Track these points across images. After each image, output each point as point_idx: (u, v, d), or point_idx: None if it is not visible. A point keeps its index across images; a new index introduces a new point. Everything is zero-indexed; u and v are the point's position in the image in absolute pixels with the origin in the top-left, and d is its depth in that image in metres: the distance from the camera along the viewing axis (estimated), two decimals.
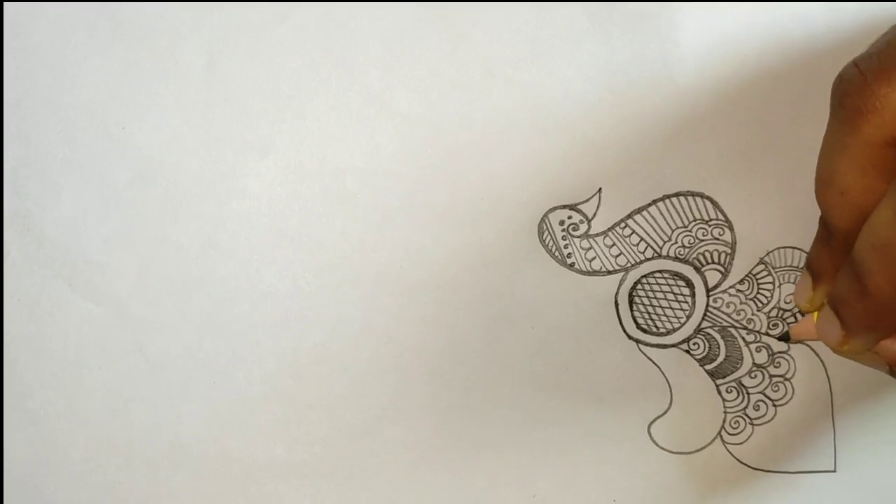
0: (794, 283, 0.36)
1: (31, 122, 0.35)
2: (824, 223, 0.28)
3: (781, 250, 0.36)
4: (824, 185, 0.27)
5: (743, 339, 0.36)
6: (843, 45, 0.35)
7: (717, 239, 0.36)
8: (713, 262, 0.36)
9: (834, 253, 0.28)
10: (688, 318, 0.36)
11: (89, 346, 0.36)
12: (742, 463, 0.37)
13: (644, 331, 0.36)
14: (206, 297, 0.36)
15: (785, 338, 0.32)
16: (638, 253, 0.36)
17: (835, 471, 0.36)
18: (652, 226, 0.36)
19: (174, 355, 0.36)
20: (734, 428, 0.36)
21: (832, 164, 0.26)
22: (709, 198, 0.35)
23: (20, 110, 0.35)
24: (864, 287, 0.26)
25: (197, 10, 0.35)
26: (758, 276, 0.36)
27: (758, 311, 0.36)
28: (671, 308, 0.36)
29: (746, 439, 0.36)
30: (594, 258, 0.36)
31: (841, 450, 0.36)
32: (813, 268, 0.29)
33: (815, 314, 0.30)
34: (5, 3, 0.35)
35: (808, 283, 0.29)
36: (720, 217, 0.35)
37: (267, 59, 0.35)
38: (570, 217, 0.35)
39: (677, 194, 0.35)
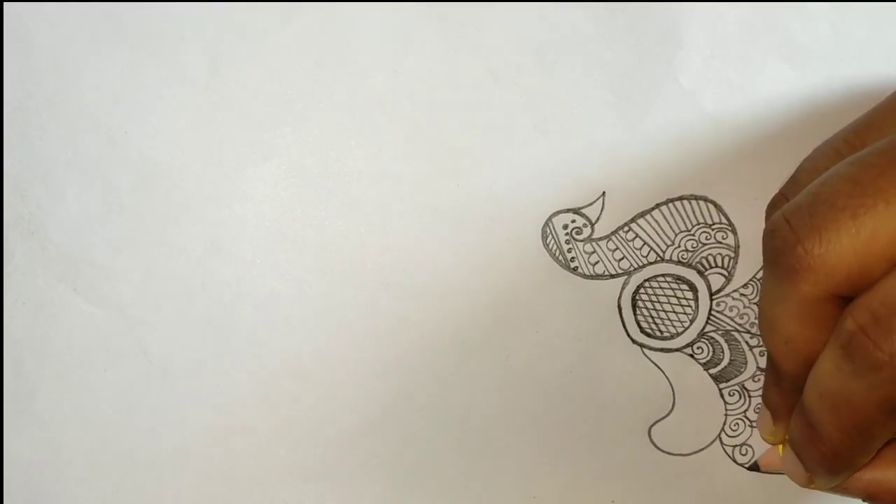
0: None
1: (33, 125, 0.35)
2: (772, 365, 0.28)
3: None
4: (768, 332, 0.27)
5: (746, 342, 0.36)
6: (849, 45, 0.35)
7: (721, 243, 0.36)
8: (717, 266, 0.36)
9: (785, 394, 0.28)
10: (691, 322, 0.36)
11: (93, 348, 0.36)
12: (739, 464, 0.37)
13: (648, 335, 0.36)
14: (209, 300, 0.36)
15: (754, 468, 0.32)
16: (641, 257, 0.36)
17: None
18: (655, 229, 0.36)
19: (178, 358, 0.36)
20: (734, 430, 0.37)
21: (773, 314, 0.26)
22: (712, 201, 0.35)
23: (22, 113, 0.35)
24: (818, 434, 0.26)
25: (200, 13, 0.35)
26: (762, 281, 0.36)
27: None
28: (675, 312, 0.36)
29: (745, 441, 0.37)
30: (597, 262, 0.36)
31: None
32: (768, 405, 0.29)
33: (780, 447, 0.30)
34: (5, 4, 0.35)
35: (768, 417, 0.30)
36: (724, 221, 0.35)
37: (270, 62, 0.35)
38: (573, 221, 0.35)
39: (681, 198, 0.35)
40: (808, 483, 0.28)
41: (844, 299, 0.25)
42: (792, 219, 0.25)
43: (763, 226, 0.35)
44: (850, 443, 0.26)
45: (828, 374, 0.25)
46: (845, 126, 0.29)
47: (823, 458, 0.27)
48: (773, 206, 0.29)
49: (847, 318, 0.24)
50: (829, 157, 0.28)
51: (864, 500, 0.29)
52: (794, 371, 0.27)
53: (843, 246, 0.24)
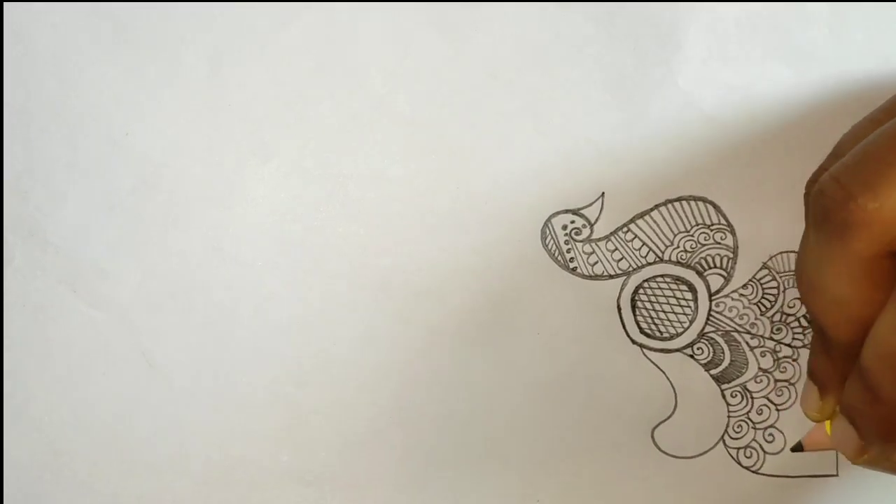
0: (797, 287, 0.36)
1: (34, 127, 0.35)
2: (821, 334, 0.27)
3: (785, 254, 0.36)
4: (816, 298, 0.26)
5: (747, 343, 0.36)
6: (847, 46, 0.35)
7: (720, 243, 0.36)
8: (715, 267, 0.36)
9: (838, 362, 0.27)
10: (691, 322, 0.36)
11: (93, 351, 0.36)
12: (744, 467, 0.36)
13: (648, 335, 0.36)
14: (209, 303, 0.36)
15: (797, 448, 0.31)
16: (640, 257, 0.36)
17: (837, 475, 0.36)
18: (654, 230, 0.36)
19: (178, 361, 0.36)
20: (737, 432, 0.36)
21: (822, 278, 0.26)
22: (711, 202, 0.35)
23: (23, 116, 0.35)
24: (877, 396, 0.25)
25: (200, 15, 0.35)
26: (761, 281, 0.36)
27: (761, 315, 0.36)
28: (674, 312, 0.36)
29: (749, 443, 0.36)
30: (596, 262, 0.36)
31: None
32: (816, 377, 0.29)
33: (827, 423, 0.29)
34: (5, 4, 0.35)
35: (814, 393, 0.29)
36: (722, 221, 0.35)
37: (270, 64, 0.35)
38: (572, 221, 0.35)
39: (680, 199, 0.35)
40: (860, 455, 0.27)
41: None
42: (842, 177, 0.25)
43: (762, 226, 0.35)
44: None
45: (891, 331, 0.24)
46: (883, 102, 0.29)
47: (882, 422, 0.26)
48: (812, 182, 0.29)
49: None
50: (869, 129, 0.28)
51: None
52: (847, 336, 0.26)
53: None
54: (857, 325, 0.26)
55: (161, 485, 0.37)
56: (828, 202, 0.25)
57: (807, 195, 0.28)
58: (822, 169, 0.29)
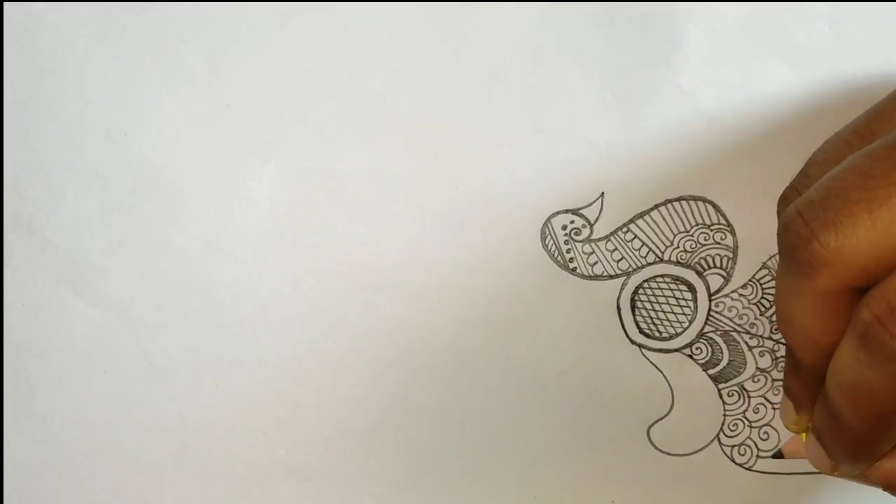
0: None
1: (33, 126, 0.35)
2: (791, 356, 0.28)
3: None
4: (785, 325, 0.27)
5: (746, 343, 0.36)
6: (847, 46, 0.35)
7: (719, 243, 0.36)
8: (715, 267, 0.36)
9: (806, 384, 0.28)
10: (690, 322, 0.36)
11: (93, 350, 0.36)
12: (737, 464, 0.37)
13: (647, 335, 0.36)
14: (208, 301, 0.36)
15: (778, 455, 0.32)
16: (640, 257, 0.36)
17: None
18: (654, 230, 0.36)
19: (177, 359, 0.36)
20: (732, 430, 0.37)
21: (790, 307, 0.26)
22: (711, 202, 0.35)
23: (22, 114, 0.35)
24: (840, 423, 0.26)
25: (200, 14, 0.35)
26: (761, 281, 0.36)
27: (760, 315, 0.36)
28: (673, 312, 0.36)
29: (743, 441, 0.37)
30: (596, 262, 0.36)
31: None
32: (790, 394, 0.29)
33: (804, 434, 0.30)
34: (5, 4, 0.35)
35: (790, 406, 0.30)
36: (722, 221, 0.36)
37: (269, 64, 0.35)
38: (572, 221, 0.35)
39: (679, 199, 0.35)
40: (833, 470, 0.28)
41: (860, 290, 0.25)
42: (805, 213, 0.25)
43: (761, 225, 0.35)
44: (870, 432, 0.26)
45: (846, 365, 0.25)
46: (856, 117, 0.29)
47: (846, 447, 0.27)
48: (784, 200, 0.29)
49: (863, 308, 0.24)
50: (840, 149, 0.28)
51: (884, 489, 0.29)
52: (813, 362, 0.27)
53: (860, 239, 0.24)
54: (820, 352, 0.27)
55: (161, 482, 0.37)
56: (793, 238, 0.26)
57: (778, 215, 0.29)
58: (791, 188, 0.29)
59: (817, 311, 0.26)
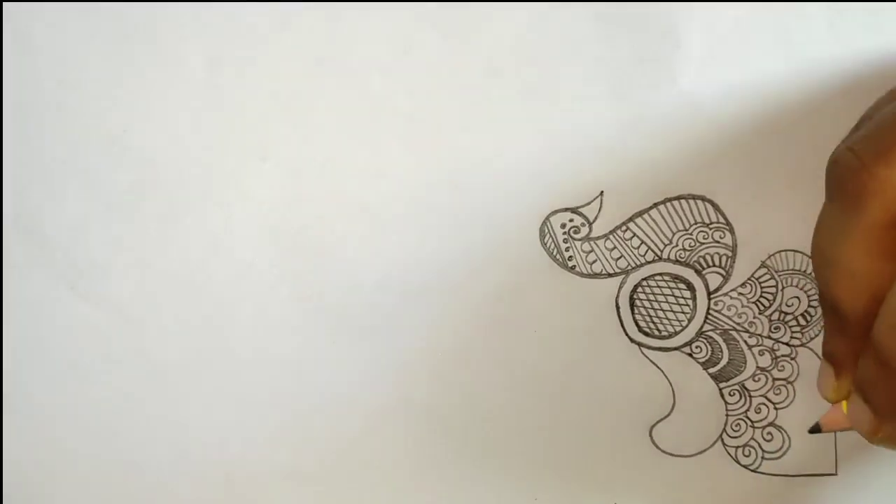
0: (795, 286, 0.36)
1: (33, 125, 0.36)
2: (834, 312, 0.27)
3: (783, 253, 0.36)
4: (829, 271, 0.26)
5: (745, 342, 0.36)
6: (847, 45, 0.35)
7: (718, 242, 0.36)
8: (714, 265, 0.36)
9: (851, 339, 0.27)
10: (689, 321, 0.36)
11: (91, 349, 0.36)
12: (742, 466, 0.37)
13: (646, 334, 0.36)
14: (207, 300, 0.36)
15: (815, 429, 0.31)
16: (639, 256, 0.36)
17: (836, 474, 0.36)
18: (653, 229, 0.36)
19: (176, 359, 0.36)
20: (735, 431, 0.36)
21: (836, 250, 0.26)
22: (710, 201, 0.35)
23: (22, 112, 0.36)
24: (891, 370, 0.25)
25: (199, 13, 0.35)
26: (760, 280, 0.36)
27: (759, 314, 0.36)
28: (672, 311, 0.36)
29: (747, 442, 0.36)
30: (595, 261, 0.36)
31: (842, 453, 0.36)
32: (832, 357, 0.28)
33: (844, 403, 0.29)
34: (5, 4, 0.35)
35: (830, 373, 0.29)
36: (721, 220, 0.35)
37: (269, 62, 0.35)
38: (571, 220, 0.35)
39: (678, 197, 0.35)
40: (876, 432, 0.27)
41: None
42: (856, 146, 0.25)
43: (760, 224, 0.35)
44: None
45: None
46: None
47: None
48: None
49: None
50: (889, 101, 0.28)
51: None
52: (861, 310, 0.26)
53: None
54: (869, 297, 0.26)
55: (160, 483, 0.37)
56: (842, 171, 0.25)
57: (827, 173, 0.28)
58: (842, 143, 0.29)
59: (868, 249, 0.25)
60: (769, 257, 0.36)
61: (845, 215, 0.25)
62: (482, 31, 0.35)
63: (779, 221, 0.35)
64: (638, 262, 0.36)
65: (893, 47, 0.35)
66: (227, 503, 0.37)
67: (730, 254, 0.36)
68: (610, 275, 0.36)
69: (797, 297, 0.36)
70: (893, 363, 0.25)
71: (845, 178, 0.25)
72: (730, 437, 0.36)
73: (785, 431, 0.36)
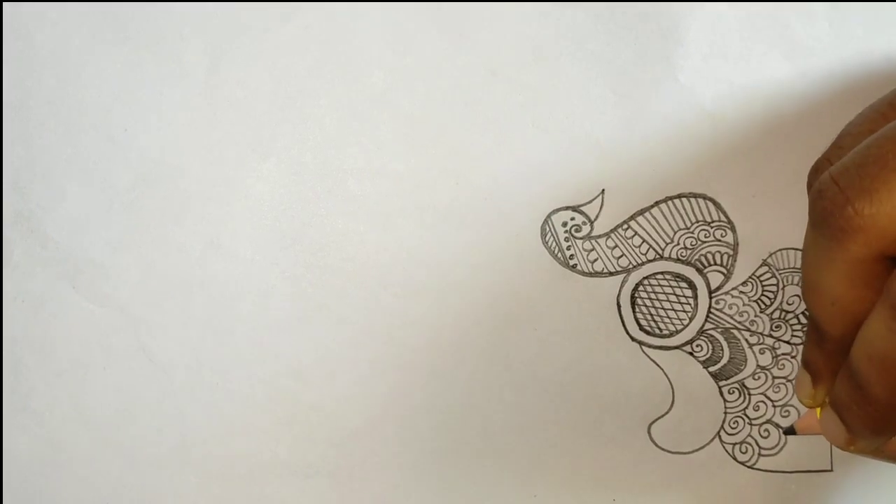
0: (797, 284, 0.36)
1: (33, 123, 0.35)
2: (816, 328, 0.28)
3: (784, 252, 0.36)
4: (813, 294, 0.27)
5: (746, 340, 0.36)
6: (847, 44, 0.35)
7: (720, 240, 0.36)
8: (715, 264, 0.36)
9: (828, 356, 0.28)
10: (690, 319, 0.36)
11: (93, 347, 0.36)
12: (739, 462, 0.37)
13: (647, 332, 0.36)
14: (208, 299, 0.36)
15: (790, 431, 0.32)
16: (640, 254, 0.36)
17: (831, 470, 0.37)
18: (654, 227, 0.36)
19: (177, 356, 0.36)
20: (733, 428, 0.37)
21: (819, 276, 0.26)
22: (711, 199, 0.35)
23: (22, 112, 0.35)
24: (865, 395, 0.26)
25: (200, 12, 0.35)
26: (761, 278, 0.36)
27: (761, 312, 0.36)
28: (673, 310, 0.36)
29: (744, 439, 0.37)
30: (596, 259, 0.36)
31: (838, 449, 0.36)
32: (809, 367, 0.29)
33: (818, 410, 0.30)
34: (5, 4, 0.35)
35: (807, 380, 0.29)
36: (722, 218, 0.36)
37: (270, 61, 0.35)
38: (572, 218, 0.35)
39: (679, 196, 0.35)
40: (848, 445, 0.28)
41: (893, 260, 0.25)
42: (840, 179, 0.25)
43: (762, 223, 0.35)
44: None
45: (877, 335, 0.25)
46: (889, 91, 0.29)
47: (869, 419, 0.26)
48: (815, 171, 0.29)
49: None
50: (875, 120, 0.28)
51: None
52: (839, 333, 0.27)
53: (895, 206, 0.24)
54: (849, 322, 0.26)
55: (161, 479, 0.37)
56: (826, 205, 0.25)
57: (809, 186, 0.28)
58: (824, 159, 0.29)
59: (849, 279, 0.26)
60: (770, 255, 0.36)
61: (828, 246, 0.26)
62: (483, 29, 0.35)
63: (780, 220, 0.35)
64: (639, 261, 0.36)
65: (893, 47, 0.35)
66: (228, 499, 0.37)
67: (731, 252, 0.36)
68: (611, 273, 0.36)
69: (798, 296, 0.36)
70: (868, 389, 0.26)
71: (830, 212, 0.25)
72: (727, 434, 0.37)
73: (782, 428, 0.37)
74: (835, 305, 0.26)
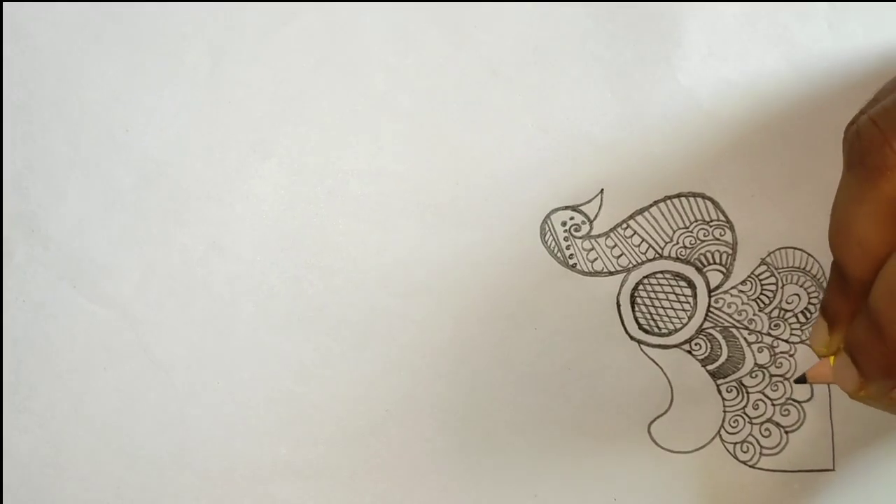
0: (795, 283, 0.36)
1: (35, 124, 0.35)
2: (839, 271, 0.28)
3: (783, 251, 0.36)
4: (841, 235, 0.27)
5: (745, 339, 0.36)
6: (847, 44, 0.35)
7: (719, 240, 0.36)
8: (714, 263, 0.36)
9: (850, 299, 0.28)
10: (689, 318, 0.36)
11: (94, 347, 0.36)
12: (740, 461, 0.37)
13: (646, 331, 0.36)
14: (210, 299, 0.36)
15: (801, 380, 0.32)
16: (639, 254, 0.36)
17: (833, 469, 0.37)
18: (653, 226, 0.36)
19: (179, 357, 0.36)
20: (733, 427, 0.37)
21: (849, 217, 0.27)
22: (710, 198, 0.36)
23: (25, 112, 0.35)
24: (882, 334, 0.26)
25: (201, 12, 0.35)
26: (760, 277, 0.36)
27: (759, 311, 0.36)
28: (673, 309, 0.36)
29: (745, 438, 0.37)
30: (596, 259, 0.36)
31: (839, 449, 0.36)
32: (828, 313, 0.29)
33: (832, 358, 0.30)
34: (5, 4, 0.35)
35: (823, 328, 0.30)
36: (721, 218, 0.36)
37: (271, 61, 0.35)
38: (572, 218, 0.36)
39: (679, 195, 0.36)
40: (859, 390, 0.28)
41: None
42: (880, 121, 0.26)
43: (761, 222, 0.35)
44: None
45: None
46: None
47: (885, 359, 0.27)
48: (852, 125, 0.29)
49: None
50: None
51: None
52: (863, 274, 0.27)
53: None
54: (873, 264, 0.27)
55: (162, 479, 0.37)
56: (864, 144, 0.26)
57: (845, 139, 0.29)
58: (861, 113, 0.29)
59: (880, 218, 0.26)
60: (769, 254, 0.36)
61: (862, 185, 0.26)
62: (484, 30, 0.35)
63: (779, 219, 0.35)
64: (639, 260, 0.36)
65: (893, 47, 0.35)
66: (229, 500, 0.37)
67: (730, 251, 0.36)
68: (611, 273, 0.36)
69: (797, 295, 0.36)
70: (885, 327, 0.26)
71: (867, 150, 0.26)
72: (728, 433, 0.37)
73: (783, 427, 0.37)
74: (861, 246, 0.27)
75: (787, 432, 0.36)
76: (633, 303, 0.36)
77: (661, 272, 0.36)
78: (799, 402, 0.36)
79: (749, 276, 0.36)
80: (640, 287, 0.36)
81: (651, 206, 0.36)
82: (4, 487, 0.37)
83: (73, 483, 0.37)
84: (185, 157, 0.35)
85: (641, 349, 0.36)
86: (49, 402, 0.36)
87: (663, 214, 0.36)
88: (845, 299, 0.28)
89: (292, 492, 0.37)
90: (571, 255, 0.36)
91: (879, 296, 0.26)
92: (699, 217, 0.36)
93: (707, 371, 0.36)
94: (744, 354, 0.36)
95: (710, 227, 0.36)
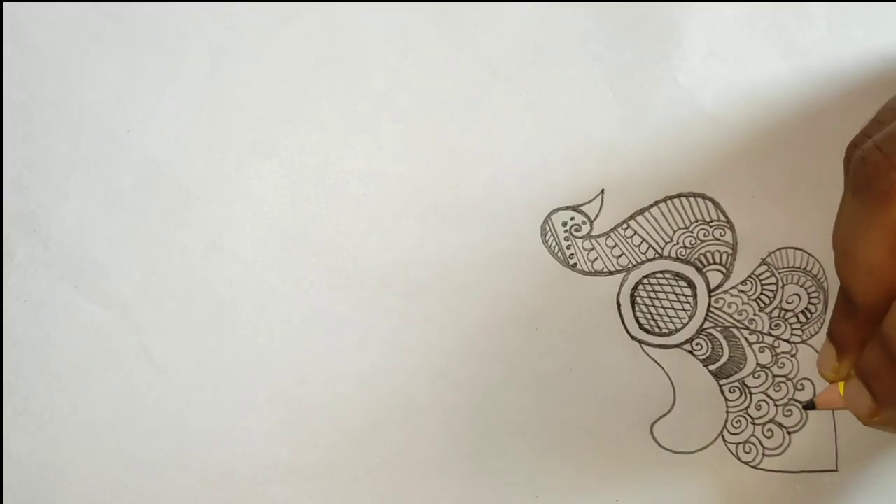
0: (796, 283, 0.36)
1: (36, 124, 0.36)
2: (847, 297, 0.28)
3: (783, 251, 0.36)
4: (848, 263, 0.27)
5: (745, 339, 0.36)
6: (846, 44, 0.35)
7: (719, 240, 0.36)
8: (715, 263, 0.36)
9: (859, 326, 0.28)
10: (690, 318, 0.36)
11: (94, 348, 0.36)
12: (743, 462, 0.37)
13: (647, 331, 0.36)
14: (210, 300, 0.36)
15: (810, 406, 0.32)
16: (640, 254, 0.36)
17: (836, 470, 0.36)
18: (654, 227, 0.36)
19: (179, 358, 0.36)
20: (736, 427, 0.36)
21: (857, 243, 0.27)
22: (710, 199, 0.36)
23: (25, 112, 0.36)
24: None
25: (201, 13, 0.35)
26: (760, 277, 0.36)
27: (760, 311, 0.36)
28: (673, 308, 0.36)
29: (748, 438, 0.37)
30: (596, 259, 0.36)
31: (842, 449, 0.36)
32: (836, 339, 0.29)
33: (841, 384, 0.30)
34: (5, 4, 0.35)
35: (832, 354, 0.29)
36: (721, 218, 0.36)
37: (271, 61, 0.35)
38: (572, 218, 0.36)
39: (679, 195, 0.36)
40: (872, 416, 0.28)
41: None
42: (885, 146, 0.26)
43: (761, 222, 0.35)
44: None
45: None
46: None
47: None
48: (854, 146, 0.29)
49: None
50: None
51: None
52: (873, 302, 0.27)
53: None
54: (884, 291, 0.26)
55: (162, 481, 0.37)
56: (870, 170, 0.26)
57: (847, 160, 0.29)
58: (863, 134, 0.29)
59: (890, 244, 0.26)
60: (769, 255, 0.36)
61: (869, 211, 0.26)
62: (484, 30, 0.35)
63: (779, 219, 0.35)
64: (639, 260, 0.36)
65: (893, 47, 0.35)
66: (230, 501, 0.37)
67: (730, 251, 0.36)
68: (611, 272, 0.36)
69: (797, 295, 0.36)
70: None
71: (873, 177, 0.26)
72: (730, 433, 0.36)
73: (785, 428, 0.36)
74: (871, 274, 0.26)
75: (789, 433, 0.36)
76: (633, 302, 0.36)
77: (662, 272, 0.36)
78: (801, 403, 0.36)
79: (749, 276, 0.36)
80: (640, 287, 0.36)
81: (651, 206, 0.36)
82: (4, 489, 0.37)
83: (73, 485, 0.37)
84: (185, 157, 0.36)
85: (643, 349, 0.36)
86: (48, 403, 0.36)
87: (663, 214, 0.36)
88: (854, 325, 0.28)
89: (292, 493, 0.37)
90: (572, 255, 0.36)
91: (894, 324, 0.26)
92: (699, 217, 0.36)
93: (709, 371, 0.36)
94: (745, 354, 0.36)
95: (711, 227, 0.36)
